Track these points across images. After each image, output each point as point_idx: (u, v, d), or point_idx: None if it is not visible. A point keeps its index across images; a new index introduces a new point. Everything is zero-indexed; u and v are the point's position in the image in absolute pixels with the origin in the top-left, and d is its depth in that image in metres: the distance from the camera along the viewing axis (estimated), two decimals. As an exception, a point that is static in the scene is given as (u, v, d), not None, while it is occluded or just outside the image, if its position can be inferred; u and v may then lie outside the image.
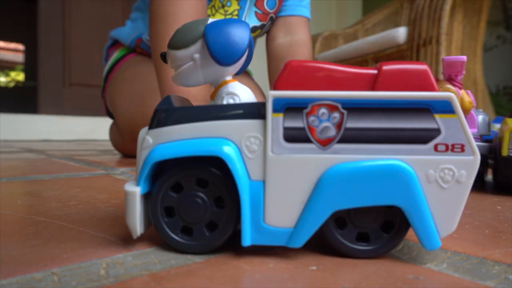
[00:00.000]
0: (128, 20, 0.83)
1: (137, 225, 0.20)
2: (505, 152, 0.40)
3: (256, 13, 0.73)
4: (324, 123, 0.18)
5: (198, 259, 0.19)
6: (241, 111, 0.19)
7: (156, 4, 0.55)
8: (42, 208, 0.30)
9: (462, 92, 0.41)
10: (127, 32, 0.81)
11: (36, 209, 0.30)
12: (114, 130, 0.85)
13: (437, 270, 0.18)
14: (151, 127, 0.20)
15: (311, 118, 0.18)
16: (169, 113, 0.20)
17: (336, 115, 0.18)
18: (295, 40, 0.78)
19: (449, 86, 0.39)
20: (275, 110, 0.18)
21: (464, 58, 0.39)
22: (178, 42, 0.21)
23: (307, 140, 0.18)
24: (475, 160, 0.18)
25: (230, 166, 0.19)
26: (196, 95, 0.52)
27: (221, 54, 0.20)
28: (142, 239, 0.22)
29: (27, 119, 1.53)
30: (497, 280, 0.17)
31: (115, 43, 0.85)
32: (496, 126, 0.59)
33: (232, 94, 0.21)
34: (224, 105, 0.19)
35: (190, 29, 0.21)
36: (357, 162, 0.18)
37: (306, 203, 0.19)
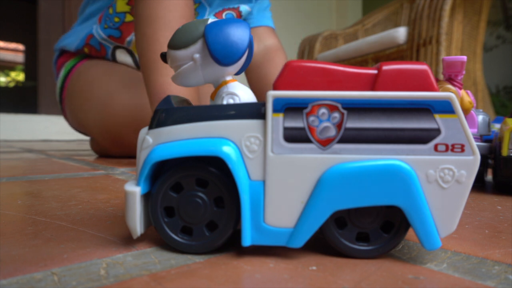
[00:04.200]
0: (71, 29, 0.84)
1: (137, 225, 0.19)
2: (505, 152, 0.40)
3: None
4: (324, 123, 0.18)
5: (198, 259, 0.19)
6: (241, 111, 0.19)
7: (143, 7, 0.54)
8: (42, 208, 0.30)
9: (462, 92, 0.41)
10: (72, 36, 0.81)
11: (36, 209, 0.30)
12: (92, 142, 0.86)
13: (437, 270, 0.18)
14: (151, 127, 0.20)
15: (311, 118, 0.18)
16: (169, 113, 0.20)
17: (336, 115, 0.18)
18: (268, 46, 0.81)
19: (449, 86, 0.39)
20: (275, 110, 0.18)
21: (464, 58, 0.39)
22: (178, 42, 0.21)
23: (307, 140, 0.18)
24: (475, 160, 0.18)
25: (230, 166, 0.19)
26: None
27: (221, 54, 0.20)
28: (142, 239, 0.22)
29: (27, 119, 1.53)
30: (497, 280, 0.17)
31: (62, 54, 0.85)
32: (496, 126, 0.59)
33: (232, 94, 0.21)
34: (224, 105, 0.19)
35: (190, 29, 0.21)
36: (357, 162, 0.18)
37: (306, 203, 0.19)
